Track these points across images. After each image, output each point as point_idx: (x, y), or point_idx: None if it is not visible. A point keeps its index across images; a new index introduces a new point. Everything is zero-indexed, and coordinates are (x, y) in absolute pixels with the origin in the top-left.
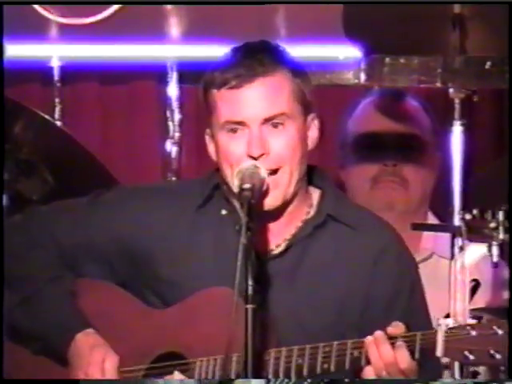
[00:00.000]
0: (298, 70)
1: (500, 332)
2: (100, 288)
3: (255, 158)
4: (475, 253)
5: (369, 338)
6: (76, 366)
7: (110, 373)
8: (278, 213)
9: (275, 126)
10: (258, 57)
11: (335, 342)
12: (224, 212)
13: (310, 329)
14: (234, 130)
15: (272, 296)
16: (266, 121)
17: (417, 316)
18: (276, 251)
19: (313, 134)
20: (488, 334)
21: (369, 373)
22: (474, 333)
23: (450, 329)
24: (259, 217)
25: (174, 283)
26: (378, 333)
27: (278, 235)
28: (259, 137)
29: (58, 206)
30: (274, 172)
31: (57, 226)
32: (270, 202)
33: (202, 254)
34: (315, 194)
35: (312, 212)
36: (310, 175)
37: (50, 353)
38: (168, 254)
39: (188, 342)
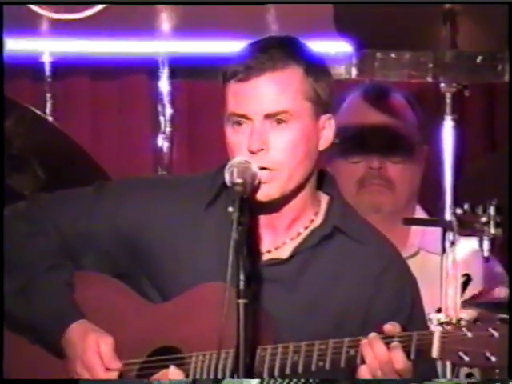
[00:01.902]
0: (312, 68)
1: (496, 334)
2: (97, 281)
3: (254, 153)
4: (466, 247)
5: (364, 340)
6: (71, 354)
7: (107, 355)
8: (278, 210)
9: (279, 122)
10: (270, 51)
11: (331, 340)
12: (231, 209)
13: (305, 339)
14: (239, 123)
15: (270, 302)
16: (268, 117)
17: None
18: (276, 255)
19: (326, 134)
20: (484, 335)
21: (364, 372)
22: (469, 334)
23: (445, 326)
24: (258, 211)
25: (175, 277)
26: (373, 334)
27: (279, 237)
28: (260, 132)
29: (63, 194)
30: (271, 169)
31: (60, 214)
32: (265, 193)
33: (206, 249)
34: (323, 200)
35: (318, 220)
36: (320, 180)
37: (45, 342)
38: (171, 248)
39: (184, 336)
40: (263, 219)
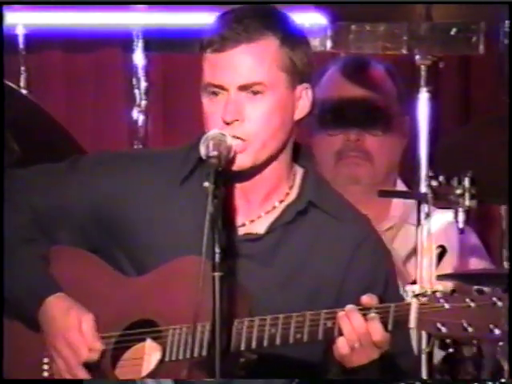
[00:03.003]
0: (289, 38)
1: (473, 305)
2: (73, 255)
3: (228, 123)
4: (441, 219)
5: (341, 312)
6: (51, 330)
7: (89, 334)
8: (249, 179)
9: (254, 93)
10: (245, 21)
11: (308, 312)
12: (206, 184)
13: (279, 314)
14: (215, 94)
15: (245, 277)
16: (243, 88)
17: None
18: (251, 230)
19: (303, 104)
20: (461, 306)
21: (341, 344)
22: (447, 305)
23: (421, 298)
24: (231, 181)
25: (150, 252)
26: (350, 306)
27: (254, 210)
28: (235, 102)
29: (36, 169)
30: (244, 140)
31: (33, 189)
32: (237, 163)
33: (181, 223)
34: (298, 173)
35: (292, 195)
36: (296, 153)
37: (22, 316)
38: (146, 222)
39: (160, 309)
40: (237, 192)
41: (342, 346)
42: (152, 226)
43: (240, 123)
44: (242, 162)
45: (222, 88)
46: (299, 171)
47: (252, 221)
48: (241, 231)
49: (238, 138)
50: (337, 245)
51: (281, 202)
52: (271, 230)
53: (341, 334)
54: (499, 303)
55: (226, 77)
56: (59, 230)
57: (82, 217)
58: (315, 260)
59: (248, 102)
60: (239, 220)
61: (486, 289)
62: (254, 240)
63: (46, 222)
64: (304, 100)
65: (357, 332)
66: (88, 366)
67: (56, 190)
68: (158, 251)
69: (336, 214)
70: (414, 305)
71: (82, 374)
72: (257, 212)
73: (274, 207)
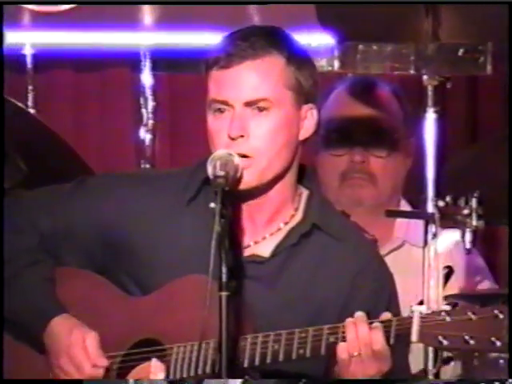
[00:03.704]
0: (294, 58)
1: (474, 318)
2: (78, 276)
3: (233, 139)
4: (448, 240)
5: (349, 319)
6: (55, 349)
7: (93, 350)
8: (256, 199)
9: (260, 110)
10: (252, 39)
11: (311, 328)
12: (213, 205)
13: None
14: (220, 111)
15: (249, 298)
16: (249, 104)
17: None
18: (256, 251)
19: (308, 124)
20: (462, 319)
21: (342, 349)
22: (448, 318)
23: (426, 315)
24: (236, 199)
25: (154, 273)
26: (360, 313)
27: (259, 231)
28: (240, 118)
29: (42, 190)
30: (249, 156)
31: (38, 211)
32: (244, 181)
33: (186, 245)
34: (303, 195)
35: (297, 217)
36: (300, 174)
37: (28, 338)
38: (151, 243)
39: (165, 328)
40: (243, 212)
41: (341, 350)
42: (158, 247)
43: (245, 139)
44: (247, 180)
45: (226, 104)
46: (304, 193)
47: (257, 242)
48: (246, 252)
49: (243, 155)
50: (340, 268)
51: (286, 223)
52: (276, 253)
53: (343, 340)
54: (501, 316)
55: (231, 93)
56: (64, 252)
57: (87, 239)
58: (319, 282)
59: (253, 118)
60: (245, 241)
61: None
62: (258, 262)
63: (51, 244)
64: (309, 120)
65: (359, 340)
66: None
67: (61, 212)
68: (163, 272)
69: (340, 236)
70: (416, 318)
71: None
72: (262, 233)
73: (279, 229)
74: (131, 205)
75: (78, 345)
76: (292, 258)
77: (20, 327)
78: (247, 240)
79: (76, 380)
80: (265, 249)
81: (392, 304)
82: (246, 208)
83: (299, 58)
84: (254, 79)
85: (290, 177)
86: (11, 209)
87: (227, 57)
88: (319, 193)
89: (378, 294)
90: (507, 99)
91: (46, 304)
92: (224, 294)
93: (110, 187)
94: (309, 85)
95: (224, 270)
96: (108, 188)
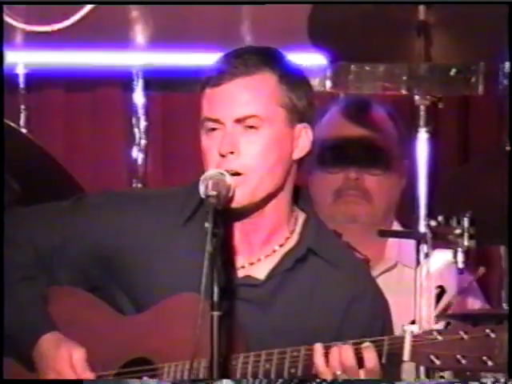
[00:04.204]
0: (287, 76)
1: (466, 337)
2: (70, 295)
3: (224, 156)
4: (440, 259)
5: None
6: (43, 366)
7: (79, 366)
8: (251, 221)
9: (250, 127)
10: (244, 57)
11: (302, 347)
12: (207, 225)
13: None
14: (213, 129)
15: (241, 320)
16: (239, 121)
17: None
18: (250, 273)
19: (302, 143)
20: (454, 339)
21: (322, 368)
22: (440, 338)
23: (417, 334)
24: (229, 218)
25: (150, 292)
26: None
27: (254, 252)
28: (231, 135)
29: (38, 208)
30: (240, 174)
31: (34, 228)
32: (235, 199)
33: (182, 264)
34: (300, 218)
35: (293, 240)
36: (296, 196)
37: (17, 354)
38: (146, 262)
39: (157, 347)
40: (239, 233)
41: (323, 370)
42: (154, 266)
43: (236, 156)
44: (239, 198)
45: (218, 122)
46: (301, 216)
47: (252, 263)
48: (240, 273)
49: (234, 172)
50: (335, 294)
51: (281, 246)
52: (270, 277)
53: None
54: (492, 335)
55: (222, 110)
56: (60, 269)
57: (81, 257)
58: (313, 308)
59: (244, 135)
60: (239, 261)
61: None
62: (253, 285)
63: (47, 260)
64: (303, 139)
65: (342, 361)
66: None
67: (58, 229)
68: (158, 291)
69: (335, 262)
70: (408, 337)
71: None
72: (257, 255)
73: (274, 251)
74: (129, 224)
75: (65, 360)
76: (286, 282)
77: (10, 342)
78: (242, 261)
79: (76, 380)
80: (259, 271)
81: (386, 330)
82: (242, 227)
83: (292, 78)
84: (244, 96)
85: (284, 196)
86: (9, 223)
87: (219, 74)
88: (316, 217)
89: (372, 320)
90: (507, 110)
91: (37, 321)
92: (216, 313)
93: (108, 206)
94: (302, 104)
95: (216, 289)
96: (106, 206)
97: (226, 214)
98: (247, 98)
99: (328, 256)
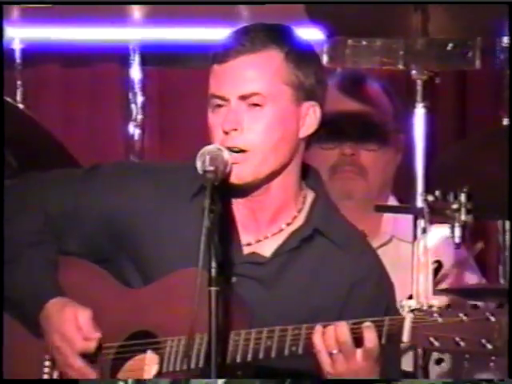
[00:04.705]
0: (295, 54)
1: (466, 319)
2: (76, 265)
3: (227, 132)
4: (437, 234)
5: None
6: (49, 329)
7: (85, 325)
8: (258, 198)
9: (254, 105)
10: (251, 34)
11: (304, 326)
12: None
13: None
14: (219, 106)
15: (246, 296)
16: (243, 98)
17: None
18: (256, 250)
19: (309, 121)
20: (454, 321)
21: (318, 341)
22: (440, 320)
23: (417, 312)
24: (234, 195)
25: (159, 263)
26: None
27: (261, 230)
28: (234, 112)
29: (53, 173)
30: (244, 150)
31: (47, 193)
32: (238, 175)
33: (191, 236)
34: (309, 197)
35: (300, 219)
36: (305, 174)
37: (24, 317)
38: (157, 234)
39: (159, 321)
40: (246, 210)
41: (318, 343)
42: (162, 239)
43: (239, 133)
44: (242, 174)
45: (223, 99)
46: (310, 195)
47: (258, 241)
48: (247, 250)
49: (237, 149)
50: (339, 275)
51: (288, 224)
52: (276, 255)
53: None
54: (492, 318)
55: (227, 87)
56: (70, 237)
57: (93, 225)
58: (317, 287)
59: (248, 112)
60: (246, 238)
61: (480, 304)
62: (259, 263)
63: (57, 227)
64: (311, 117)
65: (337, 338)
66: (86, 357)
67: (72, 194)
68: (166, 264)
69: (342, 243)
70: (408, 319)
71: (78, 364)
72: (264, 232)
73: (281, 230)
74: (140, 196)
75: (70, 321)
76: (292, 260)
77: (18, 306)
78: (249, 238)
79: (73, 380)
80: (266, 249)
81: (390, 314)
82: (248, 205)
83: (300, 55)
84: (248, 73)
85: (291, 175)
86: (21, 188)
87: (225, 51)
88: (325, 196)
89: (376, 303)
90: (508, 94)
91: (45, 285)
92: (213, 289)
93: (118, 176)
94: (310, 82)
95: (213, 264)
96: (115, 177)
97: (228, 190)
98: (251, 75)
99: (334, 237)
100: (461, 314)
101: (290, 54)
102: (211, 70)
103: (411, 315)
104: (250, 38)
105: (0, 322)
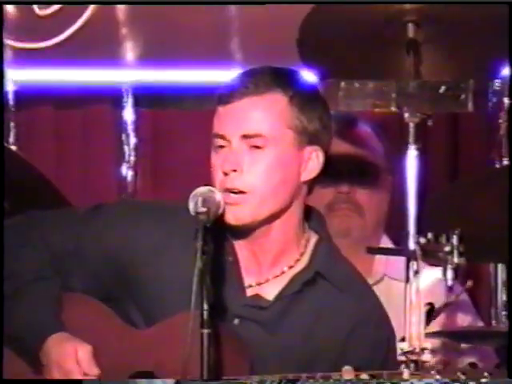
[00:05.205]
0: (299, 98)
1: (463, 377)
2: (80, 302)
3: (227, 173)
4: (430, 277)
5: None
6: (48, 362)
7: (85, 361)
8: (259, 241)
9: (256, 146)
10: (257, 76)
11: (304, 375)
12: (198, 242)
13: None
14: (221, 146)
15: (247, 340)
16: (245, 137)
17: None
18: (258, 292)
19: (312, 166)
20: (451, 379)
21: None
22: (438, 377)
23: (408, 355)
24: (234, 236)
25: (161, 304)
26: (347, 367)
27: (263, 272)
28: (235, 153)
29: (54, 212)
30: (243, 192)
31: (51, 232)
32: (236, 216)
33: (192, 277)
34: (312, 239)
35: (302, 262)
36: (307, 217)
37: (24, 353)
38: (158, 274)
39: (159, 362)
40: (248, 253)
41: None
42: (162, 279)
43: (238, 174)
44: (240, 216)
45: (224, 138)
46: (313, 237)
47: (260, 284)
48: (249, 292)
49: (236, 190)
50: (340, 317)
51: (290, 267)
52: (278, 299)
53: None
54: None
55: (229, 127)
56: (73, 275)
57: (95, 265)
58: (318, 330)
59: (248, 154)
60: (248, 280)
61: (479, 363)
62: (261, 306)
63: (61, 264)
64: (313, 162)
65: None
66: None
67: (74, 233)
68: (167, 304)
69: (343, 286)
70: (406, 375)
71: None
72: (265, 275)
73: (283, 272)
74: (143, 235)
75: (70, 355)
76: (294, 304)
77: (18, 341)
78: (251, 280)
79: (76, 380)
80: (268, 292)
81: (389, 356)
82: (249, 247)
83: (305, 99)
84: (252, 114)
85: (292, 217)
86: (23, 225)
87: (230, 93)
88: (328, 239)
89: (376, 345)
90: (507, 116)
91: (47, 320)
92: (205, 331)
93: (123, 216)
94: (314, 127)
95: (205, 306)
96: (121, 216)
97: (229, 232)
98: (255, 116)
99: (336, 280)
100: (459, 373)
101: (295, 97)
102: (215, 111)
103: (408, 371)
104: (255, 81)
105: (0, 321)
